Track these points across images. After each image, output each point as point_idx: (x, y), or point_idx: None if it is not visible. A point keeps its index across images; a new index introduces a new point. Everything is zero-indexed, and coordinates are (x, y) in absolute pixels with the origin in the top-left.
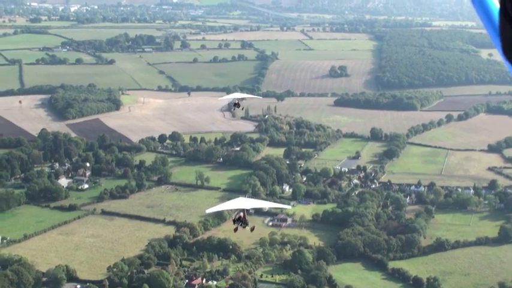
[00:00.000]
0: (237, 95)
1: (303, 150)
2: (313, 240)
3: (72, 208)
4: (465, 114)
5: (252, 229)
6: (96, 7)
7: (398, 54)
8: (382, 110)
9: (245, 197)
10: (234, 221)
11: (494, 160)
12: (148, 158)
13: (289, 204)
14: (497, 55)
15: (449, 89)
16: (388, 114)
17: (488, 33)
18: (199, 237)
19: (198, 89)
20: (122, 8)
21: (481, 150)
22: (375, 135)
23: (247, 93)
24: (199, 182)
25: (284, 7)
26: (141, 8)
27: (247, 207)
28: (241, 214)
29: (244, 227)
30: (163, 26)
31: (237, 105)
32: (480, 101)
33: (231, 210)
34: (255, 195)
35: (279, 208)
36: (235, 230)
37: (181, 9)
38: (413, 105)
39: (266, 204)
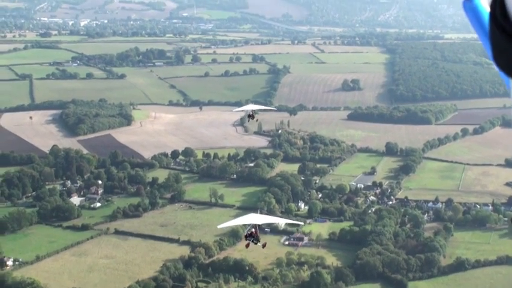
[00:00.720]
0: (252, 107)
1: (318, 165)
2: (331, 260)
3: (84, 228)
4: (481, 128)
5: (264, 246)
6: (106, 21)
7: (412, 67)
8: (396, 124)
9: (257, 212)
10: (246, 237)
11: None
12: (161, 174)
13: (305, 222)
14: None
15: (463, 102)
16: (403, 128)
17: (480, 40)
18: (214, 258)
19: (210, 103)
20: (131, 22)
21: (498, 165)
22: (390, 150)
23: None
24: (213, 200)
25: (294, 20)
26: (151, 22)
27: (259, 223)
28: (253, 230)
29: (255, 243)
30: (174, 40)
31: (251, 116)
32: (495, 114)
33: (245, 227)
34: (270, 212)
35: (292, 224)
36: (247, 246)
37: (192, 23)
38: (428, 119)
39: (278, 220)
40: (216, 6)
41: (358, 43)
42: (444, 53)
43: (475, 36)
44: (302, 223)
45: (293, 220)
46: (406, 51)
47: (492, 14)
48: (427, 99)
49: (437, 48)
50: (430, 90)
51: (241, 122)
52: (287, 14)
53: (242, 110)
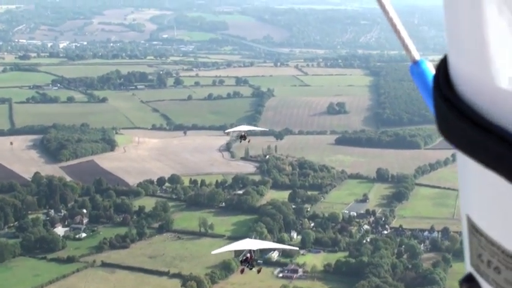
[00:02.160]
0: (243, 128)
1: (309, 193)
2: None
3: (70, 260)
4: None
5: (259, 271)
6: (85, 43)
7: (397, 90)
8: (385, 148)
9: (251, 238)
10: (242, 262)
11: None
12: (148, 203)
13: (299, 252)
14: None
15: None
16: (392, 153)
17: (428, 105)
18: None
19: (194, 127)
20: (111, 44)
21: None
22: (381, 176)
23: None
24: (202, 229)
25: (276, 42)
26: (131, 43)
27: (254, 248)
28: (248, 255)
29: (250, 269)
30: (155, 62)
31: (243, 137)
32: None
33: (238, 258)
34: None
35: (286, 255)
36: (242, 271)
37: (172, 44)
38: (417, 143)
39: (272, 245)
40: (196, 28)
41: (341, 65)
42: None
43: None
44: (297, 248)
45: (287, 246)
46: (390, 74)
47: (436, 83)
48: (414, 122)
49: None
50: (416, 113)
51: (227, 147)
52: (268, 36)
53: (234, 131)
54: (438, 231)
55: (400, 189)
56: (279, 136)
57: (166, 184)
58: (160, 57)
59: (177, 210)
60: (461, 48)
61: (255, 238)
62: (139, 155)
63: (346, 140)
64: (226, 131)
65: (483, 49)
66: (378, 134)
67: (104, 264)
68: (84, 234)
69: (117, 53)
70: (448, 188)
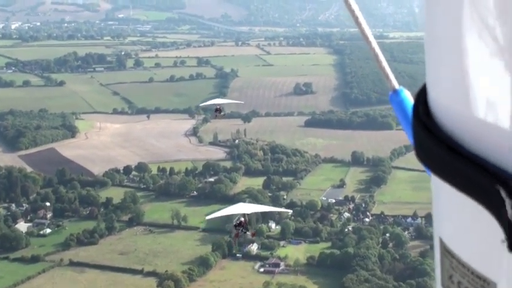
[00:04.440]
0: (218, 101)
1: (284, 179)
2: None
3: (35, 259)
4: None
5: (253, 235)
6: (39, 24)
7: (363, 69)
8: (356, 130)
9: (245, 202)
10: (235, 227)
11: None
12: (115, 193)
13: (279, 244)
14: None
15: None
16: (364, 134)
17: (406, 133)
18: None
19: (157, 110)
20: (66, 25)
21: None
22: (356, 160)
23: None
24: (175, 222)
25: (234, 21)
26: (86, 24)
27: (248, 212)
28: (242, 219)
29: (245, 233)
30: (112, 43)
31: (218, 111)
32: None
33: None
34: (239, 243)
35: (266, 248)
36: (236, 235)
37: (128, 24)
38: (389, 123)
39: (266, 208)
40: (152, 7)
41: (304, 44)
42: (394, 53)
43: (418, 34)
44: (290, 211)
45: (280, 208)
46: (355, 52)
47: (415, 109)
48: (383, 102)
49: (386, 49)
50: (385, 93)
51: (194, 132)
52: (226, 15)
53: (209, 104)
54: (422, 217)
55: (377, 173)
56: (246, 119)
57: (134, 173)
58: (118, 38)
59: (147, 201)
60: (440, 78)
61: (231, 231)
62: (102, 142)
63: (316, 121)
64: (201, 104)
65: (462, 80)
66: (348, 115)
67: (72, 263)
68: (48, 230)
69: (73, 34)
70: (425, 171)
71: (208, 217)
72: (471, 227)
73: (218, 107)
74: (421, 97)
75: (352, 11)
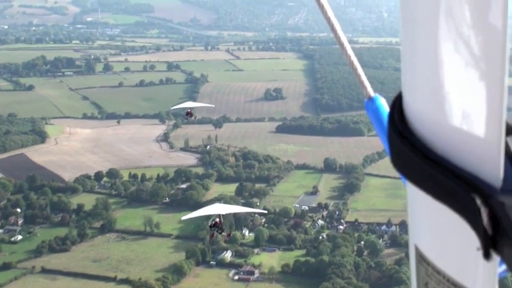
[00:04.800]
0: (189, 104)
1: (256, 186)
2: None
3: (7, 267)
4: None
5: (228, 235)
6: (6, 27)
7: (333, 74)
8: (328, 136)
9: (220, 202)
10: (211, 227)
11: None
12: (86, 200)
13: (253, 252)
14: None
15: None
16: (336, 140)
17: (382, 140)
18: None
19: (127, 116)
20: (34, 28)
21: None
22: (329, 166)
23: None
24: (147, 228)
25: (203, 25)
26: (54, 27)
27: (223, 212)
28: (217, 220)
29: (220, 233)
30: (81, 46)
31: (189, 114)
32: None
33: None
34: (212, 243)
35: (240, 255)
36: (212, 236)
37: (97, 28)
38: (361, 130)
39: (241, 209)
40: (121, 10)
41: (273, 49)
42: (363, 59)
43: (387, 40)
44: (266, 211)
45: (256, 209)
46: (324, 57)
47: (390, 117)
48: (354, 108)
49: (356, 54)
50: (355, 98)
51: (165, 137)
52: (195, 18)
53: (180, 108)
54: (396, 225)
55: (350, 180)
56: (217, 124)
57: (105, 179)
58: (86, 42)
59: (119, 208)
60: (415, 86)
61: (205, 238)
62: (73, 147)
63: (287, 127)
64: (172, 108)
65: (438, 88)
66: (319, 121)
67: (45, 271)
68: (20, 237)
69: (41, 37)
70: (399, 178)
71: (183, 217)
72: (447, 234)
73: (189, 110)
74: (397, 104)
75: (327, 18)
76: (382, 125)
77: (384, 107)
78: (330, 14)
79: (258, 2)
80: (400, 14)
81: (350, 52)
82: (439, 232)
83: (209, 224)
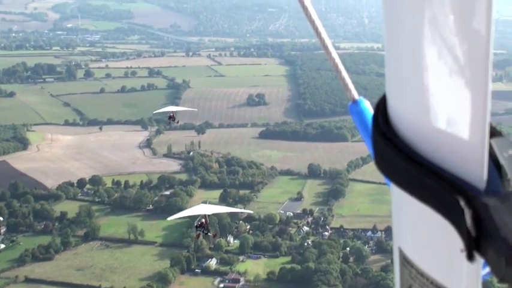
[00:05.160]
0: (171, 108)
1: (240, 192)
2: None
3: None
4: None
5: (214, 236)
6: None
7: (316, 80)
8: (312, 142)
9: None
10: (196, 228)
11: None
12: (69, 207)
13: (238, 260)
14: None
15: None
16: (319, 146)
17: (366, 143)
18: None
19: (109, 122)
20: (13, 35)
21: None
22: (313, 172)
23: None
24: (131, 236)
25: (184, 31)
26: (34, 33)
27: (209, 213)
28: (203, 221)
29: (206, 233)
30: (62, 53)
31: (172, 118)
32: None
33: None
34: (197, 251)
35: (225, 263)
36: (198, 236)
37: (77, 34)
38: (344, 135)
39: (227, 210)
40: (101, 16)
41: (255, 54)
42: (346, 64)
43: (368, 45)
44: (251, 211)
45: (241, 209)
46: (306, 63)
47: (375, 120)
48: (337, 113)
49: None
50: (339, 104)
51: (147, 144)
52: (175, 24)
53: (162, 112)
54: (382, 231)
55: (335, 186)
56: (200, 130)
57: (88, 186)
58: (67, 48)
59: (102, 215)
60: (399, 90)
61: (190, 245)
62: (55, 154)
63: (270, 133)
64: (154, 112)
65: (422, 93)
66: (302, 126)
67: (28, 280)
68: (2, 246)
69: (21, 44)
70: (384, 183)
71: (169, 218)
72: (431, 236)
73: (171, 114)
74: (381, 107)
75: (312, 21)
76: (366, 128)
77: (369, 109)
78: (314, 16)
79: (239, 8)
80: (384, 17)
81: (334, 55)
82: (423, 234)
83: (195, 225)
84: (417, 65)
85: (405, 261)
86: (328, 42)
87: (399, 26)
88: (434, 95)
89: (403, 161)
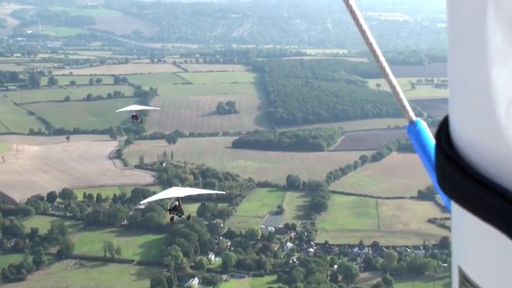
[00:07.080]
0: (135, 107)
1: (219, 206)
2: None
3: None
4: (378, 154)
5: (188, 218)
6: None
7: (286, 87)
8: (287, 151)
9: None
10: (170, 211)
11: (430, 209)
12: (40, 223)
13: (222, 279)
14: (386, 86)
15: (346, 123)
16: (295, 156)
17: (423, 163)
18: None
19: (76, 131)
20: None
21: (412, 198)
22: (292, 184)
23: (143, 108)
24: (107, 254)
25: (146, 37)
26: None
27: (182, 195)
28: (177, 203)
29: (180, 216)
30: (23, 60)
31: (135, 117)
32: (381, 135)
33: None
34: (178, 270)
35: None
36: (171, 219)
37: (38, 40)
38: (320, 145)
39: (199, 191)
40: (61, 22)
41: (221, 61)
42: (315, 71)
43: (334, 51)
44: (224, 192)
45: (214, 190)
46: (275, 70)
47: (438, 140)
48: (309, 121)
49: (306, 66)
50: (310, 112)
51: (117, 154)
52: (137, 31)
53: (125, 110)
54: (368, 247)
55: (317, 198)
56: (171, 140)
57: (58, 200)
58: (28, 55)
59: (75, 231)
60: (465, 113)
61: (170, 264)
62: (22, 166)
63: (243, 142)
64: (117, 110)
65: (488, 115)
66: (276, 135)
67: None
68: None
69: None
70: (365, 195)
71: (142, 202)
72: (493, 256)
73: (135, 113)
74: (444, 127)
75: (368, 41)
76: (423, 149)
77: (426, 130)
78: (365, 27)
79: (201, 14)
80: (448, 39)
81: (392, 78)
82: (485, 254)
83: (168, 208)
84: (485, 90)
85: (465, 279)
86: (385, 63)
87: (465, 50)
88: (501, 118)
89: (468, 181)
